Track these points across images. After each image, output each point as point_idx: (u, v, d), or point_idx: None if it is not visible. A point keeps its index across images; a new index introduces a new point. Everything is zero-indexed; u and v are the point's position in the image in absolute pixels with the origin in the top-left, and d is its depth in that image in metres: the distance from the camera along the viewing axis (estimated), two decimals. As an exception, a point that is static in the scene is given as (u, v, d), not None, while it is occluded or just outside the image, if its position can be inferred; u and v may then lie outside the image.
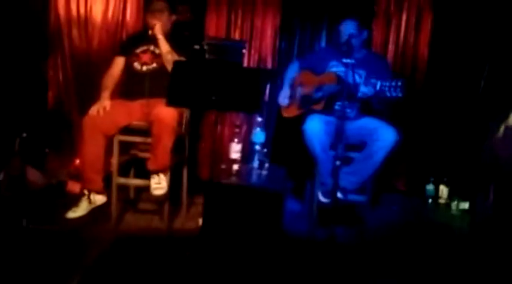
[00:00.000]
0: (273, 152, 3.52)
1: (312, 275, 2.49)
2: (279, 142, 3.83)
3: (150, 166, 2.84)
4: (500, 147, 2.80)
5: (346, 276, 2.52)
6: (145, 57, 3.07)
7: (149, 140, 2.83)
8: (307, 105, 3.17)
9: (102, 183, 2.85)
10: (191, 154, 3.38)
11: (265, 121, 3.64)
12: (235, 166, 2.81)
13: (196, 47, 3.24)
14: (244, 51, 3.62)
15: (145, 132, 2.88)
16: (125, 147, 3.03)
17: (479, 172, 3.07)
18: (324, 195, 2.98)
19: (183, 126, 3.08)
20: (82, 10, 3.91)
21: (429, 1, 3.93)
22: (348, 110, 3.06)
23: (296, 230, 3.06)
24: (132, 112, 2.95)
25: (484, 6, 3.82)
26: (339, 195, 2.85)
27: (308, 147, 2.97)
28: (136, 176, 3.22)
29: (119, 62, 3.12)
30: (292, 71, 3.35)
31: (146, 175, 2.91)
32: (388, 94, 2.77)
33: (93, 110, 2.81)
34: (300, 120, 3.10)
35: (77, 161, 3.65)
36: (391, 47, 3.99)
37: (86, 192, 2.82)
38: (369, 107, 3.11)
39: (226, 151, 3.00)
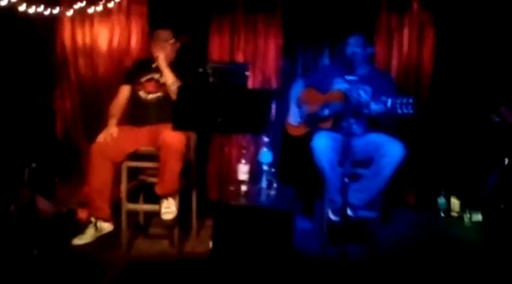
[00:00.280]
0: (281, 172, 3.51)
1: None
2: (287, 162, 3.82)
3: (159, 190, 2.84)
4: None
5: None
6: (150, 86, 3.11)
7: (157, 165, 2.85)
8: (314, 123, 3.18)
9: (110, 210, 2.86)
10: (199, 176, 3.39)
11: (271, 141, 3.65)
12: (244, 187, 2.80)
13: (200, 70, 3.28)
14: (247, 73, 3.65)
15: (152, 157, 2.90)
16: (133, 172, 3.04)
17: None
18: (334, 213, 2.97)
19: (191, 150, 3.09)
20: (87, 39, 3.99)
21: (430, 16, 3.94)
22: (355, 127, 3.07)
23: (307, 249, 3.03)
24: (139, 138, 2.97)
25: (486, 18, 3.83)
26: (349, 212, 2.83)
27: (316, 164, 2.97)
28: (146, 201, 3.23)
29: (125, 90, 3.16)
30: (297, 90, 3.37)
31: (155, 200, 2.92)
32: (399, 111, 2.77)
33: (101, 138, 2.84)
34: (307, 138, 3.11)
35: (86, 189, 3.67)
36: (394, 62, 3.99)
37: (92, 219, 2.82)
38: (376, 123, 3.10)
39: (234, 172, 3.00)
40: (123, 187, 2.91)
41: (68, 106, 4.00)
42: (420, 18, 3.95)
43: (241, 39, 4.04)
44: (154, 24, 3.69)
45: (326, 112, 3.14)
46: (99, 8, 3.75)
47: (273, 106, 3.81)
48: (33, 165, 3.19)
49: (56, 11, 3.66)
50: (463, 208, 3.83)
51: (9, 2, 3.05)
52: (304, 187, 3.50)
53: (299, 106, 3.30)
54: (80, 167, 3.94)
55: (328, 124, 3.11)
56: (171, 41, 3.16)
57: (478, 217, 3.68)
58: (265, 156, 3.01)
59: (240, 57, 4.02)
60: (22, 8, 3.40)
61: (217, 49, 4.03)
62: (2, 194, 3.08)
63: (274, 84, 4.03)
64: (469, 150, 3.93)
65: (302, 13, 4.01)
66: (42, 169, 3.51)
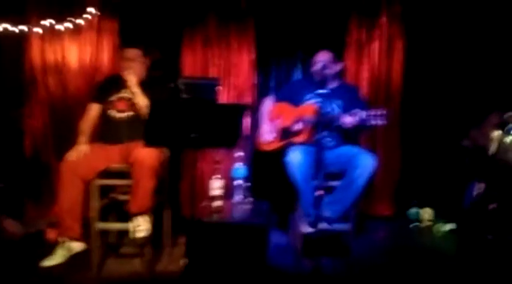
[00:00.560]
0: (255, 186, 3.50)
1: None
2: (260, 176, 3.82)
3: (131, 208, 2.79)
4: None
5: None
6: (121, 105, 3.07)
7: (129, 182, 2.80)
8: (287, 138, 3.19)
9: (80, 229, 2.79)
10: (172, 193, 3.35)
11: (245, 156, 3.65)
12: (217, 203, 2.79)
13: (171, 85, 3.25)
14: (218, 88, 3.65)
15: (124, 174, 2.85)
16: (104, 190, 2.98)
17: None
18: (308, 226, 2.96)
19: (163, 166, 3.05)
20: (57, 56, 3.93)
21: (399, 28, 4.04)
22: (328, 139, 3.10)
23: (282, 263, 3.02)
24: (111, 156, 2.92)
25: (455, 30, 3.94)
26: (323, 225, 2.84)
27: (290, 178, 2.97)
28: (117, 219, 3.16)
29: (95, 108, 3.11)
30: (268, 105, 3.39)
31: (127, 218, 2.86)
32: (373, 122, 2.82)
33: (70, 156, 2.78)
34: (279, 153, 3.12)
35: (56, 209, 3.59)
36: (364, 75, 4.06)
37: (61, 239, 2.75)
38: (347, 135, 3.14)
39: (208, 188, 2.98)
40: (94, 205, 2.85)
41: (37, 124, 3.91)
42: (389, 31, 4.04)
43: (215, 54, 4.05)
44: (125, 40, 3.67)
45: (299, 125, 3.16)
46: (69, 25, 3.71)
47: (246, 121, 3.81)
48: (1, 184, 3.10)
49: (24, 28, 3.62)
50: (434, 218, 3.89)
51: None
52: (278, 201, 3.50)
53: (271, 120, 3.31)
54: (50, 186, 3.85)
55: (301, 138, 3.13)
56: (140, 60, 3.12)
57: (449, 226, 3.74)
58: (239, 171, 3.01)
59: (213, 72, 4.03)
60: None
61: (190, 64, 4.03)
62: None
63: (248, 99, 4.04)
64: (440, 161, 4.01)
65: (274, 29, 4.06)
66: (10, 189, 3.42)
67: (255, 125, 3.60)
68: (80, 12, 3.76)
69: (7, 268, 2.85)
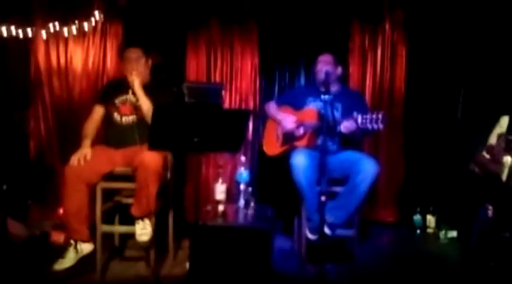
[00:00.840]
0: (259, 191, 3.52)
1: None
2: (264, 181, 3.83)
3: (135, 212, 2.80)
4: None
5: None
6: (125, 109, 3.06)
7: (133, 186, 2.81)
8: (289, 142, 3.20)
9: (88, 231, 2.79)
10: (176, 197, 3.36)
11: (249, 160, 3.67)
12: (221, 207, 2.79)
13: (174, 89, 3.26)
14: (223, 93, 3.68)
15: (128, 177, 2.86)
16: (108, 193, 2.99)
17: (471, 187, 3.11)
18: (312, 232, 2.97)
19: (167, 170, 3.06)
20: (62, 60, 3.95)
21: (402, 35, 4.05)
22: (329, 144, 3.11)
23: (286, 268, 3.02)
24: (115, 159, 2.93)
25: (458, 36, 3.95)
26: (327, 230, 2.84)
27: (295, 182, 2.97)
28: (121, 222, 3.17)
29: (99, 110, 3.11)
30: (274, 106, 3.41)
31: (131, 221, 2.87)
32: (369, 126, 2.81)
33: (74, 160, 2.77)
34: (283, 157, 3.12)
35: (60, 211, 3.59)
36: (368, 81, 4.08)
37: (71, 242, 2.75)
38: (349, 140, 3.14)
39: (211, 192, 2.99)
40: (98, 208, 2.85)
41: (42, 127, 3.94)
42: (392, 37, 4.05)
43: (218, 59, 4.08)
44: (129, 44, 3.68)
45: (301, 130, 3.17)
46: (74, 28, 3.73)
47: (249, 126, 3.83)
48: (4, 187, 3.11)
49: (30, 31, 3.64)
50: (438, 224, 3.88)
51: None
52: (282, 205, 3.51)
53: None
54: (55, 188, 3.87)
55: (304, 142, 3.13)
56: (143, 60, 3.12)
57: (453, 233, 3.74)
58: (242, 175, 3.02)
59: (217, 76, 4.05)
60: (-5, 28, 3.38)
61: (194, 67, 4.06)
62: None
63: (251, 103, 4.06)
64: (443, 167, 4.01)
65: (277, 33, 4.07)
66: (14, 191, 3.43)
67: (258, 130, 3.62)
68: (85, 15, 3.78)
69: (11, 270, 2.85)
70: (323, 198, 2.57)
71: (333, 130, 3.01)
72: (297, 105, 3.31)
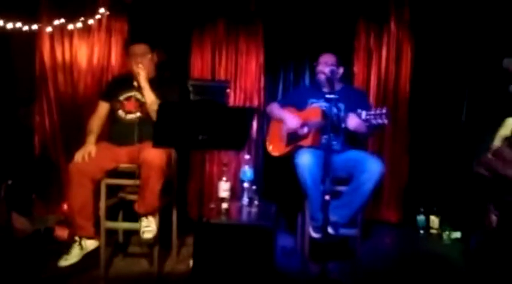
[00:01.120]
0: (262, 189, 3.53)
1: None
2: (268, 179, 3.83)
3: (139, 209, 2.80)
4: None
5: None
6: (130, 105, 3.06)
7: (137, 182, 2.81)
8: (294, 142, 3.20)
9: (93, 228, 2.79)
10: (180, 194, 3.36)
11: (253, 158, 3.67)
12: (225, 205, 2.80)
13: (179, 86, 3.25)
14: (228, 91, 3.67)
15: (132, 174, 2.87)
16: (112, 190, 3.00)
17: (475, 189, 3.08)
18: (315, 230, 2.96)
19: (172, 167, 3.06)
20: (67, 55, 3.96)
21: (408, 34, 4.04)
22: (334, 143, 3.10)
23: (288, 266, 3.03)
24: (119, 156, 2.93)
25: (464, 35, 3.94)
26: (330, 229, 2.84)
27: (300, 181, 2.97)
28: (125, 219, 3.18)
29: (104, 107, 3.11)
30: (276, 106, 3.41)
31: (135, 217, 2.88)
32: (374, 122, 2.82)
33: (78, 156, 2.78)
34: (287, 157, 3.13)
35: (65, 206, 3.62)
36: (373, 80, 4.07)
37: (76, 238, 2.76)
38: (353, 138, 3.14)
39: (215, 190, 3.00)
40: (102, 204, 2.86)
41: (46, 122, 3.95)
42: (397, 36, 4.04)
43: (223, 56, 4.08)
44: (134, 40, 3.68)
45: (305, 129, 3.17)
46: (79, 24, 3.74)
47: (254, 124, 3.83)
48: (10, 181, 3.12)
49: (35, 27, 3.65)
50: (442, 225, 3.88)
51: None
52: (286, 203, 3.51)
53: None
54: (59, 184, 3.89)
55: (308, 141, 3.13)
56: (148, 56, 3.12)
57: (456, 234, 3.73)
58: (246, 173, 3.02)
59: (221, 74, 4.05)
60: (0, 23, 3.39)
61: (199, 65, 4.06)
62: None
63: (255, 102, 4.06)
64: (447, 168, 4.00)
65: (283, 33, 4.07)
66: (19, 186, 3.44)
67: (262, 128, 3.62)
68: (90, 12, 3.79)
69: (16, 265, 2.87)
70: (327, 197, 2.57)
71: (337, 128, 3.01)
72: (299, 106, 3.31)
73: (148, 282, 2.81)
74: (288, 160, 3.11)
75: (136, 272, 2.93)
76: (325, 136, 3.06)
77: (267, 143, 3.40)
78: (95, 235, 2.80)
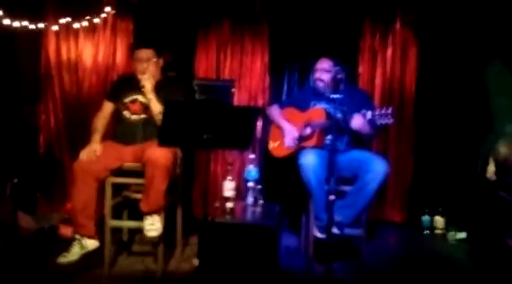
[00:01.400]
0: (267, 188, 3.52)
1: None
2: (272, 178, 3.83)
3: (144, 207, 2.80)
4: None
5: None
6: (135, 108, 3.05)
7: (142, 181, 2.82)
8: (297, 143, 3.19)
9: (94, 227, 2.79)
10: (185, 193, 3.37)
11: (258, 158, 3.67)
12: (229, 204, 2.80)
13: (185, 86, 3.24)
14: (233, 90, 3.67)
15: (137, 173, 2.87)
16: (117, 188, 3.00)
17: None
18: (320, 230, 2.96)
19: (176, 166, 3.07)
20: (72, 54, 3.97)
21: (413, 34, 4.03)
22: (338, 143, 3.10)
23: (292, 266, 3.02)
24: (124, 155, 2.94)
25: (469, 37, 3.92)
26: (335, 229, 2.83)
27: (304, 181, 2.97)
28: (130, 217, 3.19)
29: (109, 106, 3.11)
30: (276, 110, 3.41)
31: (139, 216, 2.88)
32: (379, 122, 2.82)
33: (83, 155, 2.78)
34: (291, 157, 3.12)
35: (68, 205, 3.62)
36: (378, 81, 4.05)
37: (77, 237, 2.77)
38: (358, 139, 3.14)
39: (220, 189, 3.00)
40: (107, 203, 2.87)
41: (52, 121, 3.96)
42: (403, 36, 4.03)
43: (228, 56, 4.08)
44: (140, 40, 3.69)
45: (308, 130, 3.16)
46: (85, 23, 3.75)
47: (259, 124, 3.83)
48: (15, 180, 3.13)
49: (41, 25, 3.66)
50: (447, 226, 3.87)
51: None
52: (290, 203, 3.51)
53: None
54: (63, 182, 3.90)
55: (312, 142, 3.13)
56: (154, 60, 3.11)
57: (461, 235, 3.72)
58: (251, 173, 3.02)
59: (226, 74, 4.05)
60: (6, 22, 3.40)
61: (204, 65, 4.06)
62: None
63: (260, 101, 4.06)
64: (453, 169, 3.98)
65: (288, 33, 4.07)
66: (24, 185, 3.45)
67: (266, 127, 3.61)
68: (96, 11, 3.80)
69: (20, 263, 2.88)
70: (332, 197, 2.57)
71: (341, 128, 3.01)
72: (302, 106, 3.31)
73: (152, 281, 2.81)
74: (291, 160, 3.10)
75: (140, 270, 2.93)
76: (329, 137, 3.06)
77: (270, 145, 3.40)
78: (96, 235, 2.80)
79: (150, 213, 2.81)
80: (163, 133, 2.42)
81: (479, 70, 3.88)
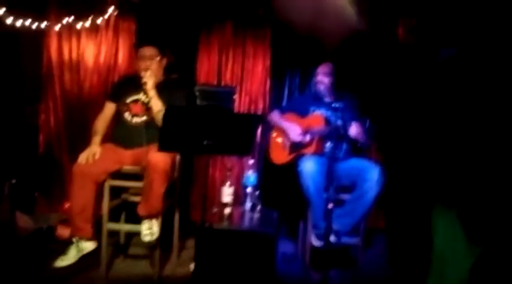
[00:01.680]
0: (265, 194, 3.52)
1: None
2: (270, 185, 3.82)
3: (142, 211, 2.80)
4: None
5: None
6: (136, 108, 3.06)
7: (141, 184, 2.81)
8: (297, 150, 3.19)
9: (92, 229, 2.79)
10: (183, 197, 3.37)
11: (256, 164, 3.66)
12: (227, 210, 2.80)
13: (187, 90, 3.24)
14: (235, 97, 3.68)
15: (136, 176, 2.87)
16: (115, 191, 3.00)
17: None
18: (317, 238, 2.97)
19: (175, 171, 3.07)
20: (74, 54, 3.96)
21: (413, 40, 4.01)
22: (337, 151, 3.11)
23: (289, 273, 3.02)
24: (123, 158, 2.94)
25: (470, 42, 3.91)
26: (332, 237, 2.84)
27: (303, 188, 2.97)
28: (127, 220, 3.19)
29: (110, 107, 3.11)
30: (277, 116, 3.41)
31: (137, 219, 2.88)
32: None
33: (83, 158, 2.78)
34: (290, 164, 3.13)
35: (67, 205, 3.62)
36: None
37: (74, 239, 2.76)
38: (356, 147, 3.15)
39: (218, 194, 3.00)
40: (105, 206, 2.86)
41: (52, 121, 3.95)
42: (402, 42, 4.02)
43: (229, 60, 4.07)
44: (142, 41, 3.69)
45: (307, 137, 3.17)
46: (87, 23, 3.74)
47: (258, 130, 3.83)
48: (14, 181, 3.13)
49: (44, 25, 3.65)
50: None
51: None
52: (288, 210, 3.51)
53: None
54: (62, 182, 3.89)
55: (311, 149, 3.14)
56: (157, 59, 3.11)
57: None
58: (250, 178, 3.02)
59: (227, 77, 4.05)
60: (9, 20, 3.40)
61: (206, 68, 4.06)
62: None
63: (260, 106, 4.06)
64: (451, 174, 3.97)
65: (290, 37, 4.06)
66: (23, 184, 3.45)
67: (266, 133, 3.61)
68: (98, 11, 3.79)
69: (17, 264, 2.87)
70: (330, 205, 2.57)
71: (341, 136, 3.01)
72: (301, 112, 3.32)
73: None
74: (290, 167, 3.11)
75: (136, 274, 2.93)
76: (328, 144, 3.07)
77: (270, 152, 3.40)
78: (93, 237, 2.80)
79: (148, 217, 2.81)
80: (164, 138, 2.42)
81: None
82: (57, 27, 3.74)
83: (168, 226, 3.09)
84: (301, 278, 3.00)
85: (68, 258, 2.73)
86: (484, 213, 2.51)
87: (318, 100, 3.31)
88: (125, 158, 2.94)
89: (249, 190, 3.02)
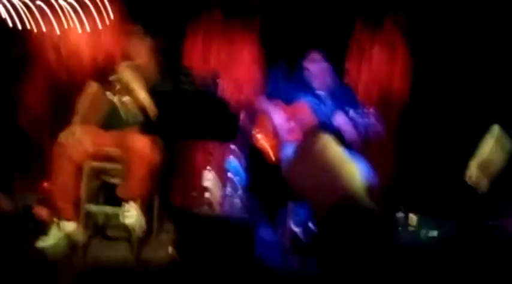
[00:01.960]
0: (246, 180, 3.53)
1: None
2: (253, 170, 3.83)
3: (122, 193, 2.79)
4: None
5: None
6: (120, 89, 3.00)
7: (121, 166, 2.79)
8: (280, 136, 3.19)
9: (73, 209, 2.77)
10: (164, 181, 3.35)
11: (239, 149, 3.66)
12: (208, 194, 2.80)
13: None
14: (219, 82, 3.66)
15: (117, 158, 2.84)
16: (95, 172, 2.97)
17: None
18: (296, 225, 2.98)
19: (157, 154, 3.04)
20: (59, 33, 3.89)
21: (404, 37, 4.03)
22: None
23: (268, 259, 3.03)
24: (104, 140, 2.91)
25: (462, 41, 3.93)
26: (311, 225, 2.86)
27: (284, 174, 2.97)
28: (106, 202, 3.16)
29: (93, 87, 3.07)
30: (263, 101, 3.40)
31: (116, 201, 2.85)
32: (360, 120, 2.84)
33: (62, 138, 2.75)
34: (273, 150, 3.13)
35: (45, 184, 3.58)
36: (364, 78, 4.06)
37: (55, 219, 2.74)
38: (341, 138, 3.15)
39: (199, 179, 2.99)
40: (84, 187, 2.83)
41: (34, 99, 3.89)
42: (392, 36, 4.03)
43: (217, 47, 4.05)
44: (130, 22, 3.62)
45: (291, 124, 3.16)
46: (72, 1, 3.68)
47: (242, 116, 3.82)
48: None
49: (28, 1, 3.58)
50: (420, 224, 3.92)
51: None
52: (269, 196, 3.51)
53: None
54: (41, 162, 3.84)
55: (294, 136, 3.13)
56: (142, 38, 3.06)
57: (433, 233, 3.78)
58: (232, 164, 3.02)
59: (214, 64, 4.01)
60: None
61: (192, 54, 4.01)
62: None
63: (245, 92, 4.03)
64: (433, 168, 4.02)
65: (279, 26, 4.04)
66: (1, 163, 3.40)
67: (251, 120, 3.61)
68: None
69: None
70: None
71: (324, 125, 3.02)
72: (287, 100, 3.30)
73: (126, 266, 2.80)
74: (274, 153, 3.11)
75: (114, 256, 2.92)
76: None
77: (254, 136, 3.39)
78: (74, 217, 2.78)
79: (127, 199, 2.79)
80: (147, 122, 2.41)
81: (472, 75, 3.90)
82: (41, 4, 3.67)
83: (148, 209, 3.07)
84: (280, 264, 3.02)
85: (49, 239, 2.71)
86: None
87: (304, 88, 3.29)
88: (106, 139, 2.91)
89: (230, 175, 3.02)
